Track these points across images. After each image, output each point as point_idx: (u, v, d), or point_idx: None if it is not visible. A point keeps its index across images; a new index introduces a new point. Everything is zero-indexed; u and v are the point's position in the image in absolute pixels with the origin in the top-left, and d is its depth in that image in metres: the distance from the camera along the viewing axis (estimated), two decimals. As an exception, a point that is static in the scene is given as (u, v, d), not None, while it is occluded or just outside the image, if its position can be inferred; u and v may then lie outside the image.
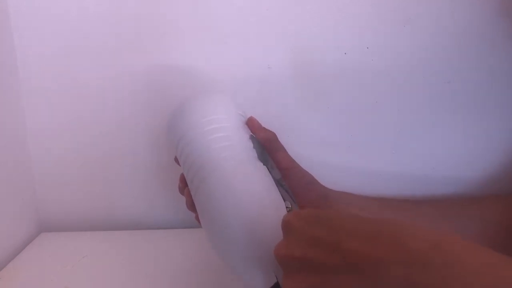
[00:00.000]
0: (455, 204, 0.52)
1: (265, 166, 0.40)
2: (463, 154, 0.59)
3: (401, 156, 0.59)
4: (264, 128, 0.45)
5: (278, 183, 0.41)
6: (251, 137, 0.43)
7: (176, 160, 0.44)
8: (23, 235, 0.56)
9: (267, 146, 0.44)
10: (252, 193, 0.36)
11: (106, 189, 0.60)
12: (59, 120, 0.57)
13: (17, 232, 0.55)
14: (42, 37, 0.53)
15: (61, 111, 0.56)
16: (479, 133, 0.58)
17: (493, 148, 0.59)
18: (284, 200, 0.39)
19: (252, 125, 0.44)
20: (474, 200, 0.54)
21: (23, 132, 0.56)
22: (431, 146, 0.59)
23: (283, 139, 0.46)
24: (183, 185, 0.43)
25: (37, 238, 0.58)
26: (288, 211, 0.38)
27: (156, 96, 0.56)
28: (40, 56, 0.54)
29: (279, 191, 0.38)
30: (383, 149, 0.59)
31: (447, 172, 0.60)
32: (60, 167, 0.59)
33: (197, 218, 0.40)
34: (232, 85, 0.56)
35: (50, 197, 0.60)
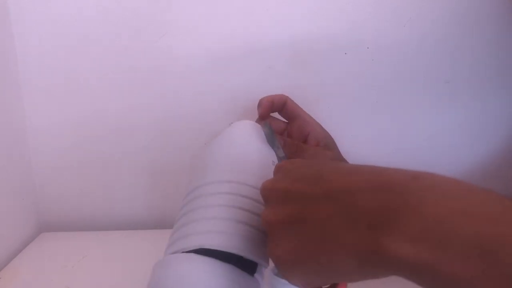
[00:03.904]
0: None
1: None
2: (462, 151, 0.59)
3: (401, 155, 0.59)
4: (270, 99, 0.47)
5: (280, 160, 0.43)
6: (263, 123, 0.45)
7: None
8: (23, 235, 0.56)
9: (286, 116, 0.48)
10: None
11: (106, 189, 0.60)
12: (59, 119, 0.57)
13: (17, 232, 0.55)
14: (42, 37, 0.53)
15: (61, 111, 0.56)
16: (478, 131, 0.58)
17: (492, 147, 0.59)
18: None
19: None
20: None
21: (23, 131, 0.56)
22: (431, 144, 0.59)
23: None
24: None
25: (37, 238, 0.58)
26: None
27: (156, 96, 0.56)
28: (40, 55, 0.54)
29: None
30: (383, 148, 0.59)
31: (446, 169, 0.60)
32: (60, 167, 0.59)
33: None
34: (233, 85, 0.56)
35: (50, 197, 0.60)
